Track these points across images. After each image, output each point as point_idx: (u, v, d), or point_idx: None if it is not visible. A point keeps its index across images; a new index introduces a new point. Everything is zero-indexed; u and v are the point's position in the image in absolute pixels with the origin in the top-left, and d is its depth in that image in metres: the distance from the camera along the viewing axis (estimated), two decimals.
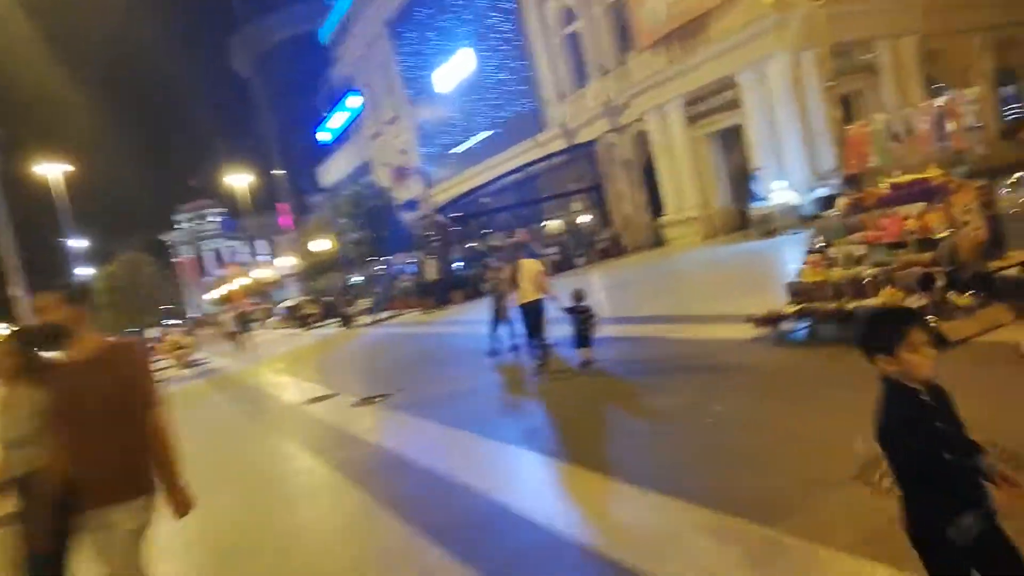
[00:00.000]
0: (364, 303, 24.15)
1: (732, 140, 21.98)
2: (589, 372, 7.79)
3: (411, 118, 40.41)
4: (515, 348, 9.90)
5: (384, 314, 23.50)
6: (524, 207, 31.16)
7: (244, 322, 30.11)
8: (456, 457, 5.70)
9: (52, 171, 55.33)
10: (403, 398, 8.68)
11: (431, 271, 21.14)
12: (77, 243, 61.28)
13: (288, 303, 34.97)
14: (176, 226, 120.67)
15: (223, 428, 9.81)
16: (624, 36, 25.29)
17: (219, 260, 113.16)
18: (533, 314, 8.58)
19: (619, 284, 16.30)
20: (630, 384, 7.08)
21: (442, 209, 25.03)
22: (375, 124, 45.40)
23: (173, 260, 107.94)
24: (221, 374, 18.07)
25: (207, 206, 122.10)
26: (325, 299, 30.13)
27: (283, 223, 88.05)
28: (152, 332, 34.01)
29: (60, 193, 53.76)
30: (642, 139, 24.76)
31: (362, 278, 31.88)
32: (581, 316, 7.98)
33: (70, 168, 57.39)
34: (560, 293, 8.52)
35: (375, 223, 22.59)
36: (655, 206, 24.55)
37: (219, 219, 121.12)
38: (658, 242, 23.70)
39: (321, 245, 26.89)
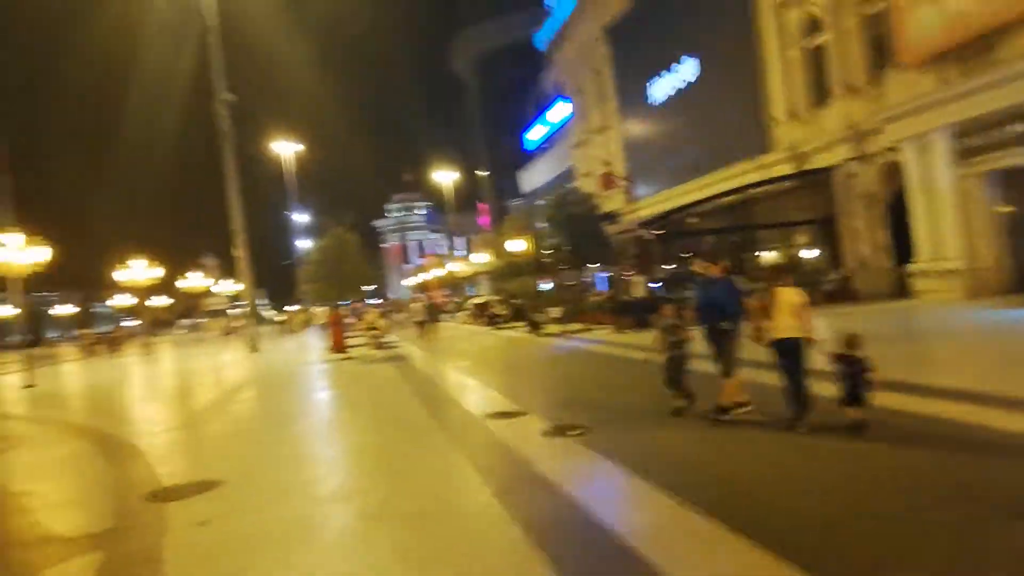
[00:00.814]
0: (554, 311, 23.36)
1: (1018, 182, 18.20)
2: (864, 439, 6.01)
3: (620, 128, 39.21)
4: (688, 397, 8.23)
5: (573, 326, 22.49)
6: (736, 232, 28.67)
7: (434, 312, 30.67)
8: (680, 546, 4.28)
9: (285, 149, 61.33)
10: (604, 437, 7.38)
11: (636, 288, 19.72)
12: (300, 217, 68.19)
13: (478, 300, 35.31)
14: (387, 214, 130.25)
15: (402, 427, 9.14)
16: (880, 52, 22.11)
17: (420, 250, 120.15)
18: (789, 354, 6.94)
19: (873, 337, 13.76)
20: (933, 475, 5.19)
21: (646, 224, 23.52)
22: (582, 132, 44.81)
23: (382, 246, 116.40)
24: (408, 362, 17.99)
25: (415, 199, 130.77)
26: (514, 301, 29.83)
27: (482, 222, 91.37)
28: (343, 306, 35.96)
29: (290, 170, 59.49)
30: (892, 172, 21.45)
31: (550, 286, 31.24)
32: (854, 368, 6.29)
33: (301, 148, 63.43)
34: (822, 335, 6.82)
35: (575, 230, 21.65)
36: (900, 250, 21.14)
37: (424, 212, 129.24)
38: (901, 293, 20.32)
39: (517, 246, 26.49)
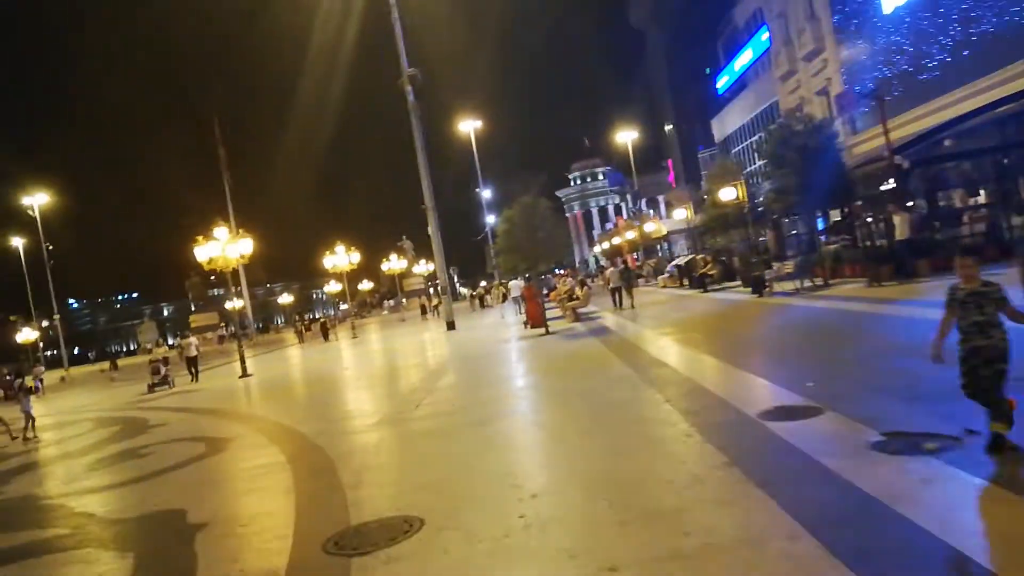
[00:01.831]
0: (785, 266, 19.61)
1: None
2: None
3: (838, 48, 33.36)
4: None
5: (807, 283, 18.68)
6: (1009, 153, 22.68)
7: (629, 277, 28.00)
8: None
9: (468, 126, 61.35)
10: (985, 456, 4.43)
11: (899, 228, 15.55)
12: (486, 193, 68.39)
13: (680, 260, 31.95)
14: (570, 183, 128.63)
15: (640, 432, 6.73)
16: None
17: (603, 217, 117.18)
18: None
19: None
20: None
21: (899, 150, 18.83)
22: (787, 62, 39.11)
23: (566, 215, 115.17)
24: (619, 337, 15.58)
25: (597, 164, 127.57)
26: (725, 258, 26.26)
27: (671, 179, 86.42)
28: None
29: (473, 147, 59.39)
30: None
31: (764, 238, 27.12)
32: None
33: (479, 124, 63.17)
34: None
35: (807, 167, 17.71)
36: None
37: (606, 177, 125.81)
38: None
39: (728, 195, 22.85)
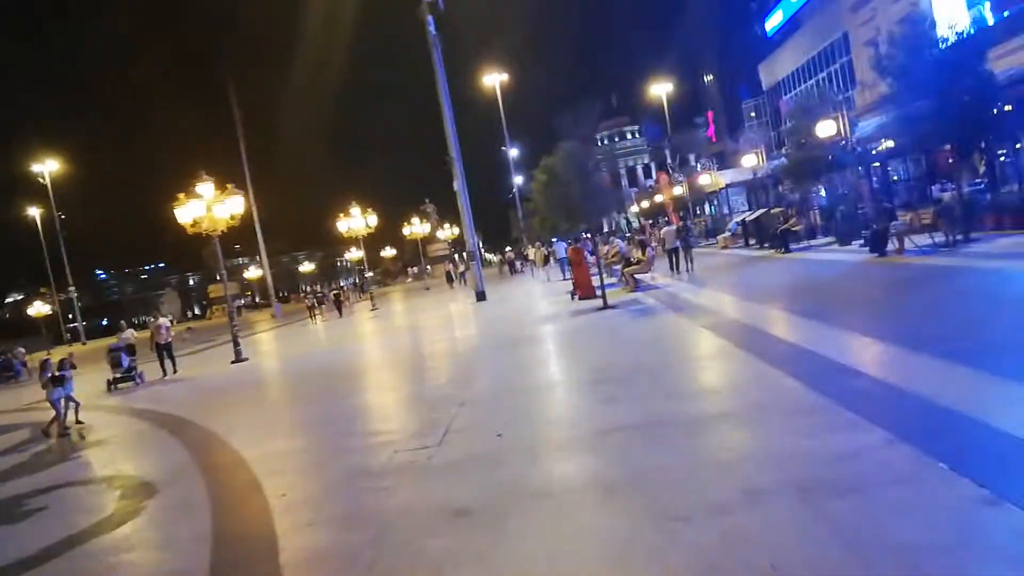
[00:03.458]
0: (921, 216, 15.22)
1: None
2: None
3: None
4: None
5: (937, 239, 14.38)
6: None
7: (688, 237, 23.83)
8: None
9: (494, 80, 56.73)
10: None
11: None
12: (511, 152, 63.84)
13: (747, 216, 27.54)
14: (598, 143, 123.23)
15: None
16: None
17: (631, 178, 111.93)
18: None
19: None
20: None
21: None
22: None
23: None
24: (709, 313, 11.58)
25: (625, 123, 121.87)
26: (817, 208, 21.94)
27: (710, 133, 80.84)
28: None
29: (499, 103, 54.95)
30: None
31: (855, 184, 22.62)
32: None
33: (505, 77, 58.41)
34: None
35: (946, 88, 13.28)
36: None
37: (636, 136, 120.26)
38: None
39: (826, 129, 18.40)
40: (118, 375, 15.57)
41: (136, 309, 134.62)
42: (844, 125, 17.75)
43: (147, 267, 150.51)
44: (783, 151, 24.95)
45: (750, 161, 27.93)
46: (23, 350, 28.79)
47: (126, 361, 15.80)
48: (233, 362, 17.63)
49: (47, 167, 59.20)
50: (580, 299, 17.42)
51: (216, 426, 9.17)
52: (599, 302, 15.42)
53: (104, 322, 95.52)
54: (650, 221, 45.75)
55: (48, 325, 63.54)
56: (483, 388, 8.60)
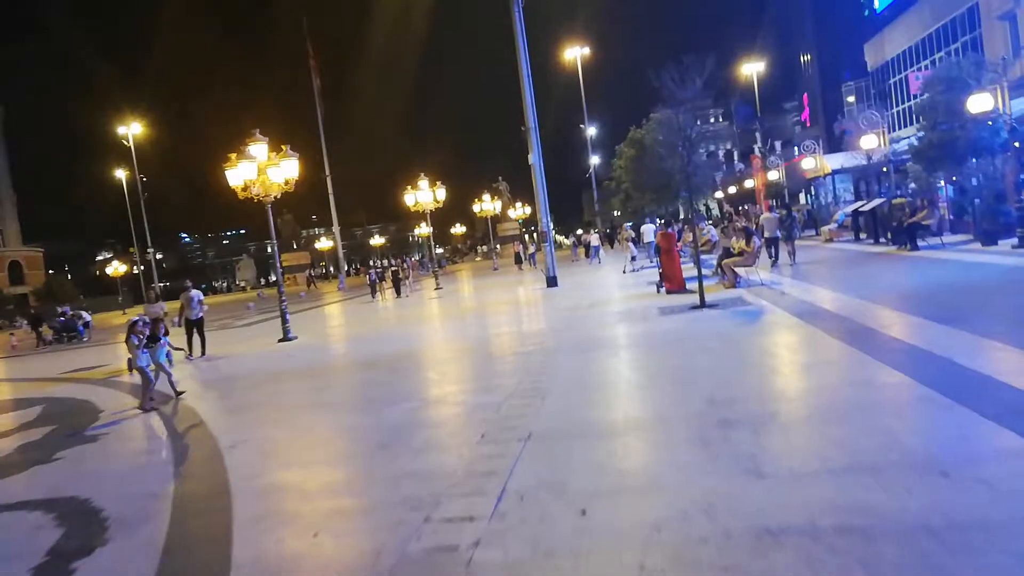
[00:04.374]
0: None
1: None
2: None
3: None
4: None
5: None
6: None
7: (791, 226, 21.01)
8: None
9: (574, 53, 53.77)
10: None
11: None
12: (589, 130, 60.86)
13: (860, 206, 24.24)
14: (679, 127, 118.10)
15: None
16: None
17: (718, 160, 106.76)
18: None
19: None
20: None
21: None
22: None
23: None
24: (854, 324, 9.04)
25: (708, 107, 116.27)
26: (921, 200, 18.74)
27: (804, 117, 75.48)
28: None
29: (578, 78, 52.16)
30: None
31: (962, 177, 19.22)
32: None
33: (586, 51, 55.40)
34: None
35: None
36: None
37: (719, 120, 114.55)
38: None
39: (980, 104, 15.25)
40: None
41: (216, 273, 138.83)
42: (1003, 98, 14.57)
43: (228, 232, 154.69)
44: (916, 131, 21.53)
45: (870, 143, 24.48)
46: (87, 310, 28.42)
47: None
48: (280, 340, 16.12)
49: (131, 130, 60.19)
50: (668, 293, 15.07)
51: (219, 433, 7.40)
52: (691, 298, 13.02)
53: (187, 283, 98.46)
54: (739, 208, 42.31)
55: (130, 285, 65.22)
56: (555, 416, 6.44)
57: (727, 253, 15.54)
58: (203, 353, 14.95)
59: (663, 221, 19.74)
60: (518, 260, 40.12)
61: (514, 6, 21.77)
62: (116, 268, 57.51)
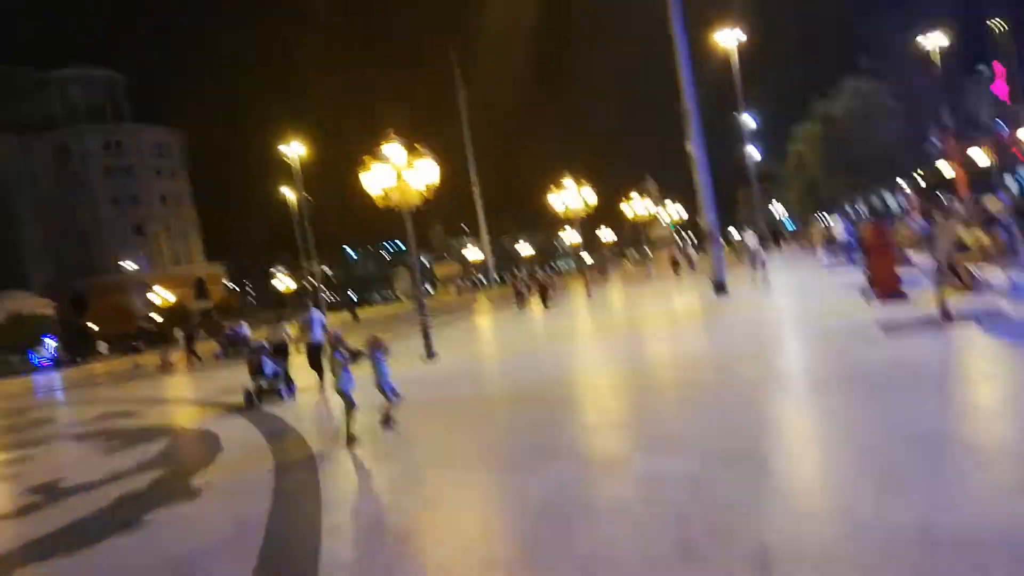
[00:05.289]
0: None
1: None
2: None
3: None
4: None
5: None
6: None
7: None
8: None
9: (728, 39, 49.73)
10: None
11: None
12: (746, 120, 56.01)
13: None
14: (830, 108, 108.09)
15: None
16: None
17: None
18: None
19: None
20: None
21: None
22: None
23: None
24: None
25: (869, 86, 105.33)
26: None
27: (996, 89, 65.50)
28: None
29: (735, 64, 48.14)
30: None
31: None
32: None
33: (743, 38, 50.96)
34: None
35: None
36: None
37: (883, 98, 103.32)
38: None
39: None
40: (261, 384, 12.26)
41: (378, 284, 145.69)
42: None
43: (387, 244, 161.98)
44: None
45: None
46: (245, 324, 29.22)
47: (270, 367, 12.41)
48: (423, 359, 14.84)
49: (294, 148, 63.74)
50: (880, 298, 12.06)
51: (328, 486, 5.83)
52: (917, 309, 10.05)
53: (354, 297, 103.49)
54: (935, 195, 36.44)
55: (290, 298, 69.19)
56: (795, 512, 4.17)
57: (960, 246, 12.20)
58: (322, 384, 13.10)
59: (873, 216, 16.41)
60: (675, 265, 37.16)
61: None
62: (286, 284, 60.81)
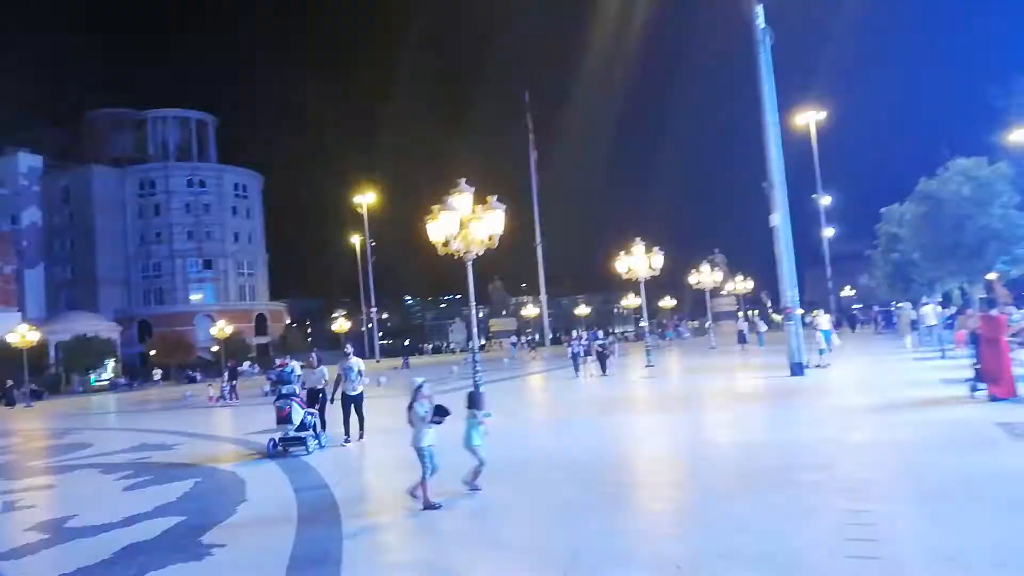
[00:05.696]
0: None
1: None
2: None
3: None
4: None
5: None
6: None
7: None
8: None
9: (809, 118, 48.74)
10: None
11: None
12: (823, 200, 54.30)
13: None
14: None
15: None
16: None
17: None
18: None
19: None
20: None
21: None
22: None
23: None
24: None
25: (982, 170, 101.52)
26: None
27: None
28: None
29: (811, 145, 46.98)
30: None
31: None
32: None
33: (823, 115, 49.82)
34: None
35: None
36: None
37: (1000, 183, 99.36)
38: None
39: None
40: (288, 434, 11.29)
41: (433, 335, 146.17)
42: None
43: (445, 296, 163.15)
44: None
45: None
46: (295, 363, 28.72)
47: (300, 415, 11.35)
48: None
49: (365, 199, 65.13)
50: (993, 400, 10.57)
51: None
52: None
53: (407, 342, 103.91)
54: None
55: (354, 340, 69.58)
56: None
57: None
58: (361, 435, 12.38)
59: (950, 301, 14.87)
60: (741, 339, 35.38)
61: (760, 48, 18.68)
62: (342, 325, 61.30)
